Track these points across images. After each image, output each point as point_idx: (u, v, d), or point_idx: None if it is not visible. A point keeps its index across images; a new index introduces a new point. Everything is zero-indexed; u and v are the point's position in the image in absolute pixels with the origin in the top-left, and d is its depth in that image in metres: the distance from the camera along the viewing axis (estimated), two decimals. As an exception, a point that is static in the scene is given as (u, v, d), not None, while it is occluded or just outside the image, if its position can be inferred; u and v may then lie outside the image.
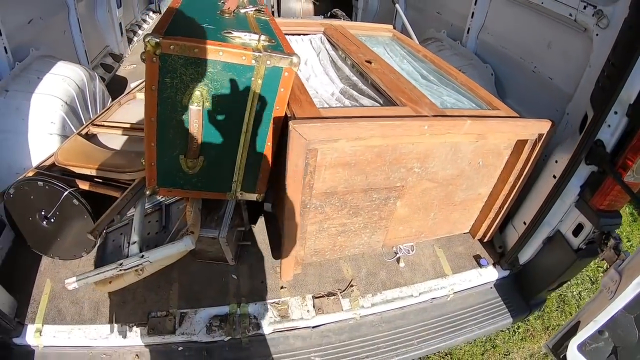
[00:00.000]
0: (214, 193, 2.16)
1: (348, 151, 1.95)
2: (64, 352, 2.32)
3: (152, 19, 7.62)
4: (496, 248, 2.91)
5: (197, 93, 1.78)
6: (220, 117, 1.88)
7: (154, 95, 1.76)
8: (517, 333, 3.43)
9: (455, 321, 2.62)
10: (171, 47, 1.66)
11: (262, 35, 1.86)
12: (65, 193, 2.25)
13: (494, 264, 2.84)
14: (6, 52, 3.08)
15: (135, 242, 2.08)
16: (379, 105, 2.24)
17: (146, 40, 1.63)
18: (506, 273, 2.82)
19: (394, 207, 2.33)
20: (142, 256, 1.99)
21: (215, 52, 1.70)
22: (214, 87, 1.79)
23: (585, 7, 2.45)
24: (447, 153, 2.19)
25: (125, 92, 3.59)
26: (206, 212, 2.35)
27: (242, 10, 2.34)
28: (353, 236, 2.38)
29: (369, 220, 2.34)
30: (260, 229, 2.87)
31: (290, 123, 1.75)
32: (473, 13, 3.69)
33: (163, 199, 2.39)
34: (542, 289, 2.68)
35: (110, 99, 3.86)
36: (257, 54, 1.74)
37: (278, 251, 2.65)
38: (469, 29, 3.77)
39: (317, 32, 3.21)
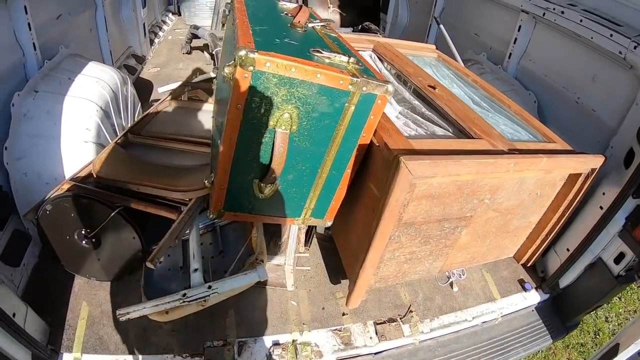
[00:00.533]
0: (282, 218, 1.94)
1: (435, 184, 1.79)
2: (107, 385, 2.08)
3: (172, 21, 7.40)
4: (538, 272, 2.90)
5: (286, 115, 1.54)
6: (306, 142, 1.65)
7: (239, 115, 1.51)
8: (539, 351, 3.33)
9: (503, 344, 2.60)
10: (267, 64, 1.42)
11: (351, 58, 1.66)
12: (114, 213, 1.99)
13: (535, 288, 2.83)
14: (35, 48, 2.79)
15: (196, 269, 1.85)
16: (451, 134, 2.10)
17: (239, 54, 1.38)
18: (547, 296, 2.80)
19: (459, 235, 2.21)
20: (210, 287, 1.75)
21: (313, 74, 1.48)
22: (304, 110, 1.56)
23: (635, 47, 2.44)
24: (514, 185, 2.09)
25: (152, 98, 3.38)
26: (268, 237, 2.13)
27: (310, 25, 2.11)
28: (417, 263, 2.24)
29: (435, 248, 2.20)
30: (313, 253, 2.71)
31: (402, 159, 1.57)
32: (516, 39, 3.55)
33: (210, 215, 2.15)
34: (580, 312, 2.68)
35: (139, 104, 3.57)
36: (355, 79, 1.53)
37: (338, 277, 2.56)
38: (510, 54, 3.62)
39: (366, 48, 2.98)
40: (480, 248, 2.43)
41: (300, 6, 2.19)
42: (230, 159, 1.62)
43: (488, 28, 4.03)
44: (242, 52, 1.38)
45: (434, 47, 3.36)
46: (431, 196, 1.84)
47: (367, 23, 4.88)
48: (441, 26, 3.99)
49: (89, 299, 2.35)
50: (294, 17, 2.11)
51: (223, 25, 3.41)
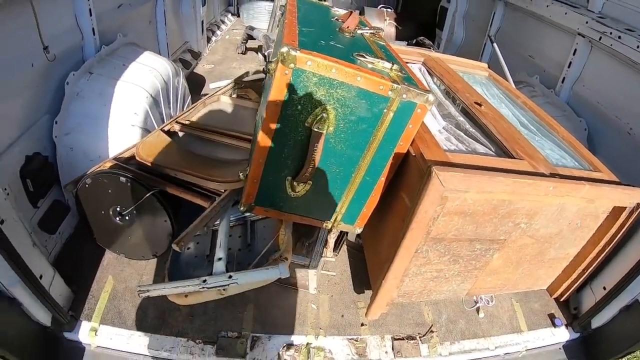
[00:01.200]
0: (312, 220, 1.96)
1: (469, 201, 1.76)
2: (119, 357, 2.16)
3: (231, 21, 7.64)
4: (571, 309, 2.79)
5: (323, 115, 1.57)
6: (342, 145, 1.67)
7: (277, 110, 1.55)
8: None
9: (523, 379, 2.50)
10: (308, 62, 1.46)
11: (394, 65, 1.67)
12: (149, 194, 2.07)
13: (566, 325, 2.71)
14: (94, 33, 2.94)
15: (220, 258, 1.89)
16: (492, 152, 2.06)
17: (281, 50, 1.43)
18: (577, 335, 2.68)
19: (491, 258, 2.16)
20: (230, 277, 1.79)
21: (353, 77, 1.50)
22: (342, 112, 1.58)
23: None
24: (554, 212, 2.03)
25: (202, 92, 3.47)
26: (296, 236, 2.16)
27: (359, 31, 2.14)
28: (444, 282, 2.20)
29: (464, 269, 2.16)
30: (341, 260, 2.70)
31: (434, 169, 1.57)
32: (570, 63, 3.47)
33: (248, 214, 2.18)
34: (611, 356, 2.54)
35: (189, 97, 3.70)
36: (395, 85, 1.54)
37: (363, 287, 2.53)
38: (564, 78, 3.54)
39: (416, 61, 2.99)
40: (512, 275, 2.37)
41: (351, 12, 2.22)
42: (265, 153, 1.66)
43: (543, 50, 3.96)
44: (284, 49, 1.43)
45: (485, 65, 3.33)
46: (464, 213, 1.82)
47: (421, 37, 4.88)
48: (494, 44, 3.95)
49: (115, 273, 2.45)
50: (343, 23, 2.16)
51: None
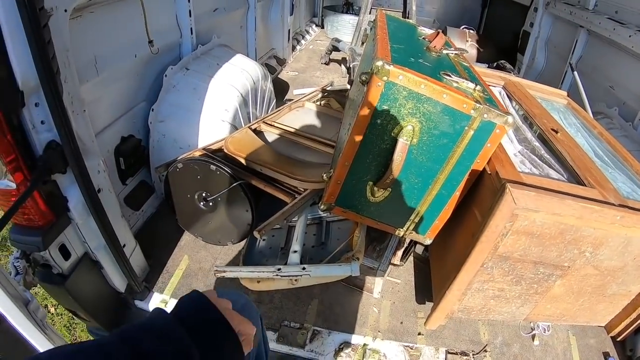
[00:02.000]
0: (386, 225, 2.08)
1: (538, 222, 1.81)
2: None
3: (315, 32, 7.97)
4: (627, 350, 2.70)
5: (409, 127, 1.70)
6: (423, 156, 1.79)
7: (367, 118, 1.70)
8: None
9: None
10: (399, 77, 1.60)
11: (477, 85, 1.78)
12: (236, 184, 2.28)
13: None
14: (192, 32, 3.21)
15: (296, 251, 2.05)
16: (564, 179, 2.10)
17: (376, 64, 1.58)
18: None
19: (552, 285, 2.18)
20: (304, 268, 1.95)
21: (439, 93, 1.63)
22: (427, 125, 1.71)
23: None
24: (619, 245, 2.02)
25: (287, 97, 3.65)
26: (369, 240, 2.30)
27: (445, 51, 2.27)
28: (504, 303, 2.24)
29: (525, 292, 2.19)
30: (406, 269, 2.78)
31: (508, 186, 1.67)
32: (653, 96, 3.40)
33: (325, 214, 2.34)
34: None
35: (274, 100, 3.93)
36: (478, 105, 1.65)
37: (424, 298, 2.58)
38: (644, 112, 3.48)
39: (497, 84, 3.07)
40: (572, 306, 2.37)
41: (438, 32, 2.35)
42: (351, 156, 1.80)
43: (624, 82, 3.89)
44: (379, 63, 1.58)
45: (565, 93, 3.34)
46: (532, 234, 1.87)
47: (502, 61, 4.89)
48: (575, 72, 3.95)
49: (191, 254, 2.66)
50: (431, 42, 2.28)
51: (363, 43, 3.67)
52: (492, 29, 7.39)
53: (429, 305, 2.53)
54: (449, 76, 1.79)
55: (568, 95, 3.31)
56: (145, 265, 2.53)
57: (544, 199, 1.74)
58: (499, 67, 4.84)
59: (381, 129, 1.74)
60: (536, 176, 2.00)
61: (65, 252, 1.98)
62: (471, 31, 5.84)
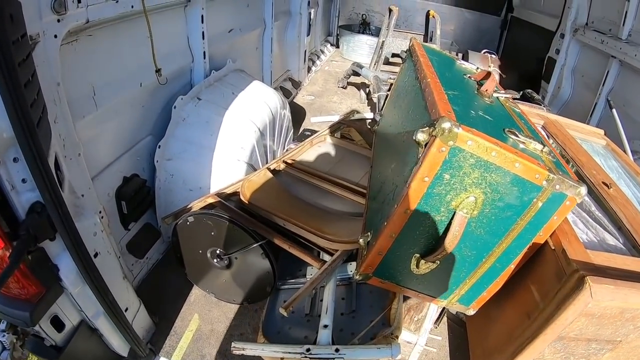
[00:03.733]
0: (428, 297, 1.85)
1: (602, 305, 1.62)
2: (195, 405, 2.12)
3: (330, 52, 7.85)
4: None
5: (471, 199, 1.48)
6: (482, 229, 1.56)
7: (424, 188, 1.46)
8: None
9: None
10: (468, 142, 1.36)
11: (545, 147, 1.57)
12: (256, 244, 2.04)
13: None
14: (204, 56, 2.99)
15: (327, 326, 1.80)
16: (621, 245, 1.93)
17: (442, 125, 1.33)
18: None
19: (601, 357, 2.00)
20: (337, 350, 1.70)
21: (512, 162, 1.40)
22: (491, 197, 1.48)
23: None
24: None
25: (303, 125, 3.42)
26: (405, 309, 2.06)
27: (495, 94, 2.05)
28: (549, 376, 2.05)
29: (571, 365, 2.00)
30: (440, 332, 2.57)
31: (588, 279, 1.50)
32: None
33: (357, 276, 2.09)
34: None
35: (292, 130, 3.69)
36: (551, 175, 1.43)
37: None
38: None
39: (536, 123, 2.84)
40: None
41: (489, 73, 2.13)
42: (400, 228, 1.57)
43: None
44: (446, 125, 1.33)
45: (602, 132, 3.17)
46: (592, 315, 1.69)
47: (529, 91, 4.70)
48: (614, 110, 3.72)
49: (202, 312, 2.41)
50: (478, 82, 2.09)
51: (389, 87, 3.54)
52: (513, 53, 7.24)
53: (464, 375, 2.33)
54: (515, 135, 1.58)
55: (605, 134, 3.11)
56: (151, 325, 2.30)
57: (622, 292, 1.57)
58: (526, 97, 4.64)
59: (438, 200, 1.50)
60: (602, 253, 1.80)
61: (58, 324, 1.76)
62: (493, 56, 5.65)
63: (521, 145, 1.54)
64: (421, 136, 1.41)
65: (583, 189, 1.48)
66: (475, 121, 1.55)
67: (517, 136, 1.57)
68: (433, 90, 1.71)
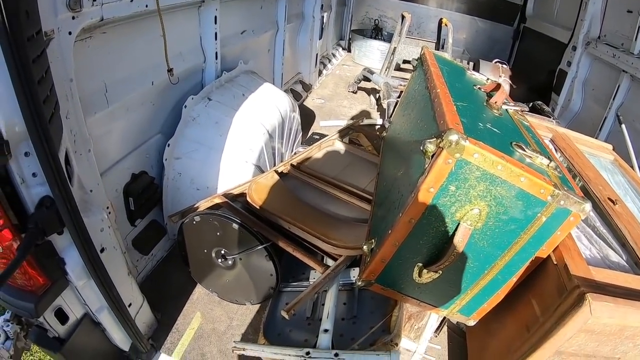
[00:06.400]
0: (429, 306, 1.86)
1: (602, 322, 1.62)
2: (194, 402, 2.13)
3: (341, 56, 7.86)
4: None
5: (475, 211, 1.48)
6: (485, 242, 1.57)
7: (429, 198, 1.47)
8: None
9: None
10: (475, 155, 1.37)
11: (551, 162, 1.57)
12: (261, 247, 2.05)
13: None
14: (216, 57, 3.00)
15: (327, 330, 1.80)
16: (625, 263, 1.92)
17: (450, 137, 1.34)
18: None
19: None
20: (336, 355, 1.71)
21: (517, 176, 1.40)
22: (496, 210, 1.48)
23: None
24: None
25: (312, 129, 3.42)
26: (406, 317, 2.06)
27: (504, 106, 2.05)
28: (544, 391, 2.05)
29: (569, 381, 2.00)
30: (439, 342, 2.54)
31: (588, 297, 1.50)
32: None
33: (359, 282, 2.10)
34: None
35: (301, 134, 3.70)
36: (556, 191, 1.43)
37: None
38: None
39: (545, 137, 2.84)
40: None
41: (499, 85, 2.14)
42: (404, 236, 1.57)
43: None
44: (454, 137, 1.34)
45: (611, 147, 3.15)
46: (592, 331, 1.69)
47: (539, 102, 4.69)
48: (623, 126, 3.71)
49: (204, 311, 2.42)
50: (488, 94, 2.09)
51: (400, 93, 3.54)
52: (524, 64, 7.20)
53: (465, 385, 2.32)
54: (522, 149, 1.58)
55: (614, 149, 3.10)
56: (153, 321, 2.31)
57: (621, 309, 1.57)
58: (535, 109, 4.63)
59: (442, 211, 1.51)
60: (604, 270, 1.80)
61: (62, 316, 1.78)
62: (504, 66, 5.63)
63: (527, 160, 1.53)
64: (429, 147, 1.42)
65: (587, 206, 1.48)
66: (483, 134, 1.55)
67: (524, 150, 1.57)
68: (442, 101, 1.71)
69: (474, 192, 1.46)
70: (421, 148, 1.45)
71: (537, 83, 6.25)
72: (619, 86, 4.35)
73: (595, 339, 1.74)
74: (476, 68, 5.59)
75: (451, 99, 1.76)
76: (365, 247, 1.80)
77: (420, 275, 1.69)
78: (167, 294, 2.49)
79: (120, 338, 2.04)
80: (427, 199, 1.47)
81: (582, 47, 5.07)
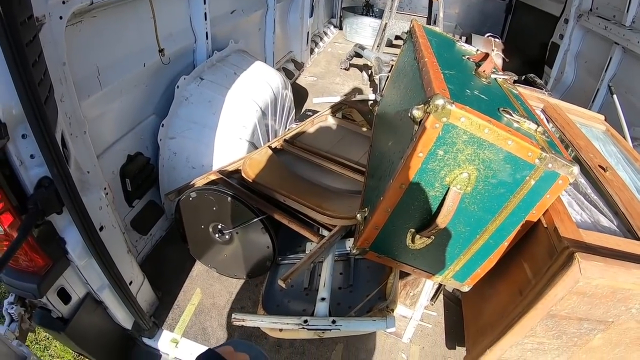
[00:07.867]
0: (424, 272, 1.90)
1: (593, 284, 1.65)
2: (197, 374, 2.17)
3: (333, 34, 7.82)
4: None
5: (464, 175, 1.51)
6: (475, 206, 1.60)
7: (418, 163, 1.49)
8: None
9: None
10: (461, 119, 1.39)
11: (539, 127, 1.60)
12: (257, 219, 2.09)
13: None
14: (207, 37, 3.00)
15: (324, 299, 1.85)
16: (615, 227, 1.95)
17: (436, 102, 1.36)
18: None
19: (593, 338, 2.03)
20: (334, 322, 1.75)
21: (504, 140, 1.43)
22: (484, 174, 1.51)
23: None
24: None
25: (305, 106, 3.42)
26: (402, 285, 2.11)
27: (493, 76, 2.07)
28: (540, 354, 2.07)
29: (564, 345, 2.03)
30: (436, 310, 2.61)
31: (577, 255, 1.52)
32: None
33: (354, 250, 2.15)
34: None
35: (294, 110, 3.71)
36: (544, 154, 1.46)
37: (455, 342, 2.44)
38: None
39: (536, 107, 2.86)
40: (607, 355, 2.21)
41: (487, 54, 2.15)
42: (395, 203, 1.60)
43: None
44: (440, 101, 1.36)
45: (602, 117, 3.17)
46: (584, 294, 1.72)
47: (531, 75, 4.70)
48: (614, 96, 3.73)
49: (204, 287, 2.47)
50: (476, 64, 2.10)
51: (390, 66, 3.52)
52: (517, 38, 7.18)
53: (459, 350, 2.38)
54: (510, 114, 1.60)
55: (606, 120, 3.13)
56: (154, 299, 2.35)
57: (611, 269, 1.60)
58: (528, 82, 4.62)
59: (432, 176, 1.54)
60: (594, 232, 1.82)
61: (64, 296, 1.81)
62: (496, 40, 5.62)
63: (515, 124, 1.56)
64: (416, 113, 1.44)
65: (575, 169, 1.51)
66: (470, 99, 1.57)
67: (512, 115, 1.59)
68: (430, 69, 1.73)
69: (462, 156, 1.48)
70: (409, 115, 1.47)
71: (530, 56, 6.24)
72: (611, 58, 4.36)
73: (587, 301, 1.77)
74: (468, 42, 5.55)
75: (439, 67, 1.78)
76: (358, 215, 1.83)
77: (413, 241, 1.72)
78: (167, 272, 2.53)
79: (122, 316, 2.08)
80: (416, 164, 1.50)
81: (574, 20, 5.05)
